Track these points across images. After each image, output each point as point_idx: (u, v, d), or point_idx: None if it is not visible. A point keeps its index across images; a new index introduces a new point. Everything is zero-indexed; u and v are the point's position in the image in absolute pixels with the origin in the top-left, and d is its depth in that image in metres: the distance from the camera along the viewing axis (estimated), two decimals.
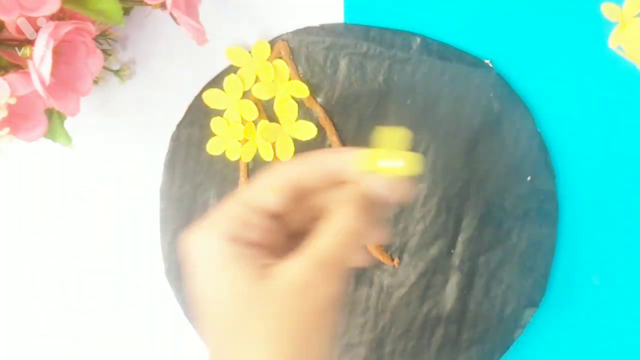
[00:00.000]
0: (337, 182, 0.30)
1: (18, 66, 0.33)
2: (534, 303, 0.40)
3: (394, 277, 0.41)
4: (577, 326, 0.41)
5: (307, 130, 0.40)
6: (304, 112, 0.41)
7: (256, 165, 0.41)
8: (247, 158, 0.41)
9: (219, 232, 0.28)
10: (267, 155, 0.41)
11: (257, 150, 0.41)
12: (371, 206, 0.29)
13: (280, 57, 0.40)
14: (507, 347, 0.40)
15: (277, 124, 0.41)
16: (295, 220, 0.30)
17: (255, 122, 0.41)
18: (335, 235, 0.28)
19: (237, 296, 0.27)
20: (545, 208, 0.40)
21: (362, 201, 0.29)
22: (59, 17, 0.33)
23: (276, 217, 0.29)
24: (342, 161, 0.30)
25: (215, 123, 0.41)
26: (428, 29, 0.40)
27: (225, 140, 0.41)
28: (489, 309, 0.40)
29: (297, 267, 0.27)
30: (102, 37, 0.39)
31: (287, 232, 0.30)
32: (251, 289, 0.27)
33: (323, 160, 0.30)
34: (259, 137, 0.41)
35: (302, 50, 0.40)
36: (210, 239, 0.28)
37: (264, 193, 0.29)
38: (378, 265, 0.41)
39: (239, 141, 0.41)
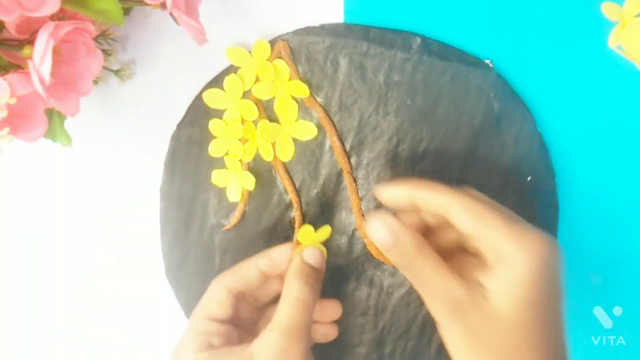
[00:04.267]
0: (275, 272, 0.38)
1: (18, 66, 0.33)
2: None
3: (394, 277, 0.41)
4: (578, 327, 0.41)
5: (307, 130, 0.40)
6: (304, 112, 0.41)
7: (257, 165, 0.41)
8: (248, 158, 0.41)
9: (193, 348, 0.35)
10: (267, 155, 0.41)
11: (258, 150, 0.41)
12: (309, 276, 0.36)
13: (281, 57, 0.40)
14: None
15: (277, 124, 0.41)
16: (262, 295, 0.39)
17: (255, 122, 0.41)
18: (287, 306, 0.35)
19: None
20: (545, 208, 0.40)
21: (301, 273, 0.36)
22: (59, 17, 0.33)
23: (235, 312, 0.37)
24: (273, 261, 0.37)
25: (213, 125, 0.41)
26: (428, 29, 0.40)
27: (226, 141, 0.41)
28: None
29: (267, 340, 0.34)
30: (102, 37, 0.39)
31: (259, 306, 0.39)
32: None
33: (255, 264, 0.37)
34: (259, 137, 0.41)
35: (302, 50, 0.40)
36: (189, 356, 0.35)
37: (212, 307, 0.37)
38: (378, 265, 0.41)
39: (239, 140, 0.41)
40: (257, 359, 0.34)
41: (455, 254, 0.34)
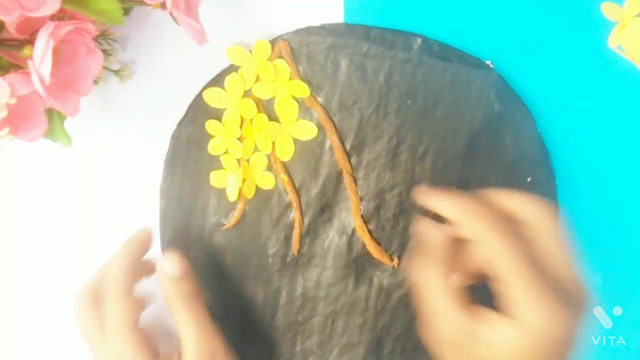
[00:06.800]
0: None
1: (18, 66, 0.33)
2: None
3: (394, 277, 0.41)
4: None
5: (307, 130, 0.40)
6: (305, 112, 0.41)
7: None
8: (247, 155, 0.41)
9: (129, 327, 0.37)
10: (264, 149, 0.41)
11: (255, 146, 0.41)
12: (188, 292, 0.37)
13: (281, 57, 0.40)
14: None
15: (277, 123, 0.41)
16: None
17: (251, 120, 0.41)
18: (193, 334, 0.36)
19: None
20: None
21: (182, 296, 0.37)
22: (59, 17, 0.33)
23: None
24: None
25: (210, 126, 0.41)
26: (429, 30, 0.40)
27: (224, 139, 0.41)
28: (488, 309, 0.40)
29: None
30: (102, 37, 0.39)
31: None
32: None
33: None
34: (256, 132, 0.40)
35: (303, 50, 0.40)
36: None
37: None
38: (377, 265, 0.41)
39: (237, 139, 0.41)
40: None
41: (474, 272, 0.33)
